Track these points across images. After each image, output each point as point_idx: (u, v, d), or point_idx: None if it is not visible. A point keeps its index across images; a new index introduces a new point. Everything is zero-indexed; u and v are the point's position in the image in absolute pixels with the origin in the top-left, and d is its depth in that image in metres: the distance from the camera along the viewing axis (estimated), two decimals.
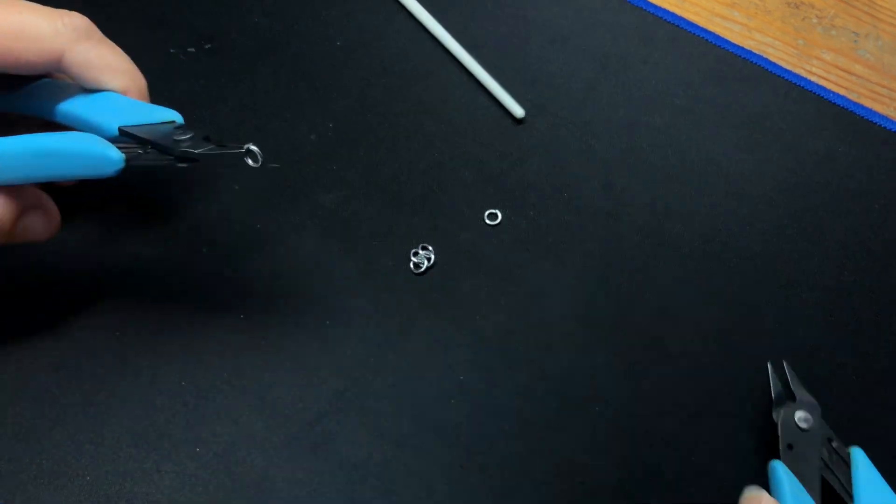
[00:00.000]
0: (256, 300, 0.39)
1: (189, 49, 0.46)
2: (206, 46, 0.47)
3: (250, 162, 0.30)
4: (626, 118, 0.46)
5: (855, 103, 0.48)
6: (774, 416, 0.35)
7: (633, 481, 0.36)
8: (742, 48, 0.50)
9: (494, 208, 0.42)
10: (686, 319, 0.40)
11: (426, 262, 0.40)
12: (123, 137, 0.31)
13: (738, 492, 0.36)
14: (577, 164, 0.44)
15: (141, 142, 0.31)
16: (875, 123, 0.47)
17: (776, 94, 0.48)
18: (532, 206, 0.43)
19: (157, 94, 0.36)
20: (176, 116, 0.33)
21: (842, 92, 0.49)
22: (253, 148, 0.30)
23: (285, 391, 0.37)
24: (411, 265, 0.40)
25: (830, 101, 0.48)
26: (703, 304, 0.40)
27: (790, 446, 0.34)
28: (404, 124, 0.45)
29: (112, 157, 0.30)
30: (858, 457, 0.34)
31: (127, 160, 0.31)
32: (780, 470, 0.33)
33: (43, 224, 0.34)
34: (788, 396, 0.36)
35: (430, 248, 0.41)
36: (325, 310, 0.39)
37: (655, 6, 0.51)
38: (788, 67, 0.50)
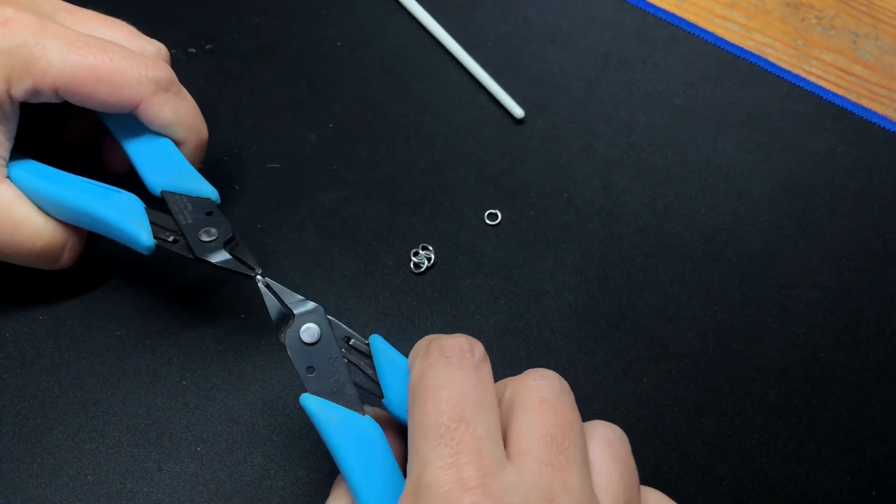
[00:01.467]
0: (256, 300, 0.39)
1: (189, 49, 0.46)
2: (207, 46, 0.47)
3: (258, 280, 0.33)
4: (626, 118, 0.47)
5: (854, 103, 0.48)
6: (281, 340, 0.31)
7: None
8: (741, 48, 0.50)
9: (494, 208, 0.43)
10: (686, 319, 0.40)
11: (426, 262, 0.40)
12: (164, 199, 0.35)
13: (738, 492, 0.36)
14: (577, 164, 0.45)
15: (174, 222, 0.35)
16: (874, 124, 0.47)
17: (776, 94, 0.48)
18: (532, 206, 0.43)
19: None
20: (213, 194, 0.36)
21: (841, 92, 0.49)
22: (261, 278, 0.33)
23: (285, 391, 0.37)
24: (411, 265, 0.40)
25: (830, 102, 0.48)
26: (703, 304, 0.40)
27: (310, 369, 0.30)
28: (404, 124, 0.45)
29: (144, 243, 0.34)
30: (377, 344, 0.30)
31: (157, 246, 0.34)
32: (306, 404, 0.29)
33: (74, 254, 0.37)
34: (287, 313, 0.31)
35: (430, 248, 0.41)
36: (326, 310, 0.39)
37: (655, 6, 0.51)
38: (788, 68, 0.50)
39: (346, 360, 0.30)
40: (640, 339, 0.39)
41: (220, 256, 0.34)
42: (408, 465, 0.26)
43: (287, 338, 0.30)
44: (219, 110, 0.45)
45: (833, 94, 0.49)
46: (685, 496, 0.35)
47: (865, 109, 0.48)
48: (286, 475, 0.35)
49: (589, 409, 0.37)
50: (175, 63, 0.46)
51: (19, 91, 0.33)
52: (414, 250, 0.41)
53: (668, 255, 0.42)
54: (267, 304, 0.31)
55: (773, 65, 0.50)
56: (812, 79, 0.50)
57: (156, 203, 0.35)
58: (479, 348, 0.28)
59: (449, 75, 0.47)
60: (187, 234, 0.34)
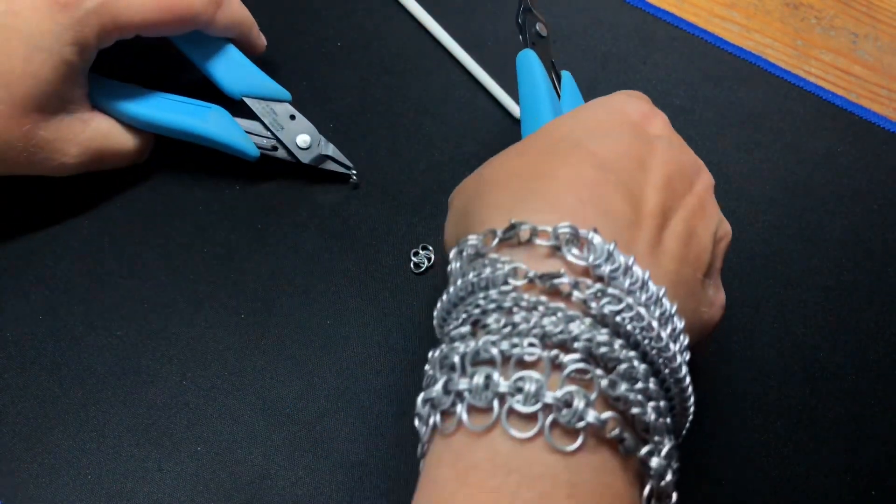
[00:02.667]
0: (256, 300, 0.39)
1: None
2: None
3: (352, 179, 0.42)
4: None
5: (854, 104, 0.48)
6: (520, 21, 0.39)
7: None
8: (741, 48, 0.50)
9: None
10: None
11: (426, 262, 0.40)
12: (247, 105, 0.40)
13: (738, 492, 0.36)
14: None
15: (263, 126, 0.40)
16: (874, 124, 0.47)
17: (775, 94, 0.48)
18: None
19: None
20: (285, 95, 0.41)
21: (841, 92, 0.49)
22: (355, 174, 0.41)
23: (286, 390, 0.37)
24: (411, 265, 0.40)
25: (829, 102, 0.48)
26: None
27: (533, 44, 0.38)
28: (404, 124, 0.45)
29: (251, 153, 0.40)
30: (567, 78, 0.39)
31: (262, 155, 0.40)
32: (531, 57, 0.37)
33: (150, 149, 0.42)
34: (533, 6, 0.39)
35: (430, 248, 0.41)
36: (325, 310, 0.39)
37: (655, 7, 0.51)
38: (787, 68, 0.50)
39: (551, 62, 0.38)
40: None
41: (320, 161, 0.41)
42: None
43: (527, 20, 0.38)
44: None
45: (833, 94, 0.49)
46: (685, 496, 0.35)
47: (865, 109, 0.48)
48: (286, 475, 0.35)
49: None
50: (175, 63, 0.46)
51: (107, 43, 0.36)
52: (414, 250, 0.41)
53: None
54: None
55: (773, 65, 0.50)
56: (812, 79, 0.50)
57: (236, 107, 0.40)
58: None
59: (449, 75, 0.47)
60: (286, 142, 0.40)
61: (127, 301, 0.38)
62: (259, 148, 0.40)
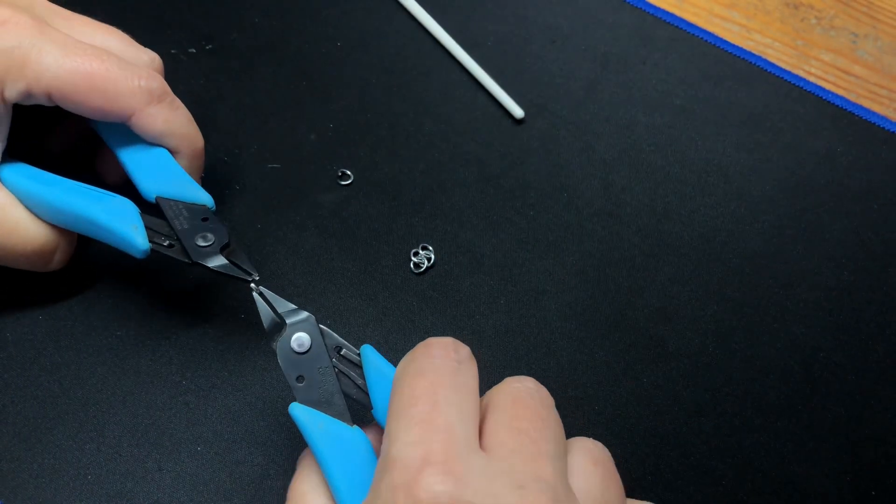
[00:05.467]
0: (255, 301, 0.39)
1: (189, 49, 0.46)
2: (207, 47, 0.47)
3: (252, 286, 0.33)
4: (626, 118, 0.47)
5: (854, 104, 0.48)
6: (275, 349, 0.30)
7: (632, 480, 0.36)
8: (741, 48, 0.50)
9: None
10: (686, 319, 0.40)
11: (426, 262, 0.40)
12: (159, 205, 0.35)
13: (737, 491, 0.36)
14: (576, 164, 0.45)
15: (169, 227, 0.35)
16: (874, 124, 0.47)
17: (775, 94, 0.48)
18: (532, 206, 0.43)
19: None
20: (208, 201, 0.36)
21: (841, 92, 0.49)
22: (254, 286, 0.33)
23: (285, 391, 0.37)
24: (411, 265, 0.40)
25: (829, 102, 0.48)
26: (703, 304, 0.40)
27: (300, 378, 0.29)
28: (404, 124, 0.45)
29: (139, 247, 0.34)
30: (368, 354, 0.30)
31: (152, 250, 0.34)
32: (295, 414, 0.29)
33: (65, 256, 0.37)
34: (279, 322, 0.31)
35: (430, 248, 0.41)
36: (325, 310, 0.39)
37: (655, 7, 0.51)
38: (787, 68, 0.50)
39: (335, 370, 0.30)
40: (640, 339, 0.39)
41: (216, 261, 0.34)
42: (381, 446, 0.26)
43: (278, 346, 0.30)
44: (219, 110, 0.45)
45: (833, 94, 0.49)
46: (685, 496, 0.35)
47: (865, 109, 0.48)
48: (286, 475, 0.35)
49: (589, 409, 0.37)
50: (175, 63, 0.46)
51: (13, 93, 0.33)
52: (414, 250, 0.41)
53: (667, 255, 0.42)
54: (260, 311, 0.31)
55: (773, 65, 0.50)
56: (812, 79, 0.50)
57: (150, 210, 0.35)
58: (464, 349, 0.28)
59: (449, 75, 0.47)
60: (183, 239, 0.34)
61: (127, 301, 0.38)
62: (153, 242, 0.34)
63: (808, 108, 0.48)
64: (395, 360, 0.38)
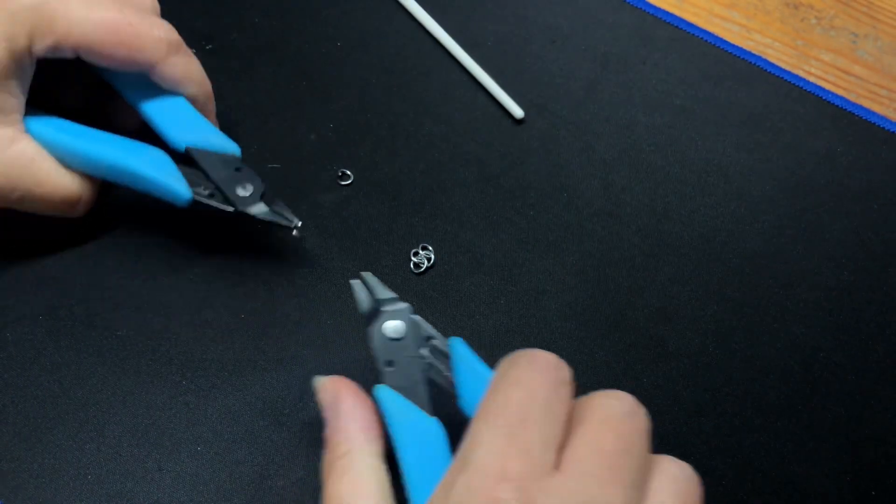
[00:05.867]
0: (257, 300, 0.39)
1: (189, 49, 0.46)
2: (207, 46, 0.47)
3: (294, 232, 0.36)
4: (626, 118, 0.47)
5: (854, 104, 0.48)
6: (368, 337, 0.31)
7: None
8: (741, 49, 0.50)
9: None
10: (685, 319, 0.40)
11: (426, 262, 0.40)
12: (190, 155, 0.37)
13: (737, 491, 0.36)
14: (576, 164, 0.45)
15: (205, 177, 0.36)
16: (874, 124, 0.47)
17: (775, 94, 0.48)
18: (532, 206, 0.43)
19: None
20: (236, 150, 0.37)
21: (841, 92, 0.49)
22: (299, 225, 0.36)
23: (286, 390, 0.37)
24: (411, 265, 0.40)
25: (829, 102, 0.48)
26: (703, 304, 0.40)
27: (389, 363, 0.31)
28: (404, 124, 0.45)
29: (183, 196, 0.36)
30: (457, 347, 0.31)
31: (194, 200, 0.36)
32: (380, 395, 0.30)
33: (91, 202, 0.38)
34: (376, 308, 0.32)
35: (430, 248, 0.41)
36: (325, 310, 0.39)
37: (655, 7, 0.51)
38: (787, 68, 0.50)
39: (424, 360, 0.31)
40: (640, 339, 0.39)
41: (259, 209, 0.36)
42: (462, 442, 0.27)
43: (374, 330, 0.31)
44: (219, 110, 0.45)
45: (833, 94, 0.49)
46: None
47: (865, 109, 0.48)
48: (286, 475, 0.35)
49: None
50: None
51: (41, 47, 0.34)
52: (414, 250, 0.41)
53: (667, 255, 0.42)
54: (357, 296, 0.32)
55: (773, 65, 0.50)
56: (812, 79, 0.50)
57: (178, 160, 0.36)
58: (566, 371, 0.28)
59: (449, 75, 0.47)
60: (224, 189, 0.36)
61: (127, 301, 0.38)
62: (195, 192, 0.36)
63: (808, 108, 0.48)
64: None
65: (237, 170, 0.37)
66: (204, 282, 0.39)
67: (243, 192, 0.36)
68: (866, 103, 0.49)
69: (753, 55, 0.50)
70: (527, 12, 0.51)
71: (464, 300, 0.40)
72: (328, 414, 0.31)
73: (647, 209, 0.43)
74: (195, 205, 0.36)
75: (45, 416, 0.35)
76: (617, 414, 0.27)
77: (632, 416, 0.27)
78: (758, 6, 0.53)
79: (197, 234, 0.40)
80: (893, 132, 0.47)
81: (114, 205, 0.41)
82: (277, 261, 0.40)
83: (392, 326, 0.31)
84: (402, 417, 0.30)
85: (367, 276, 0.32)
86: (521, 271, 0.41)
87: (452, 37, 0.48)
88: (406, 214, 0.42)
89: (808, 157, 0.46)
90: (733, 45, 0.50)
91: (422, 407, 0.30)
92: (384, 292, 0.32)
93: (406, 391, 0.30)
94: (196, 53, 0.46)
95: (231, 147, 0.37)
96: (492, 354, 0.38)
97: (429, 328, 0.32)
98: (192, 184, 0.36)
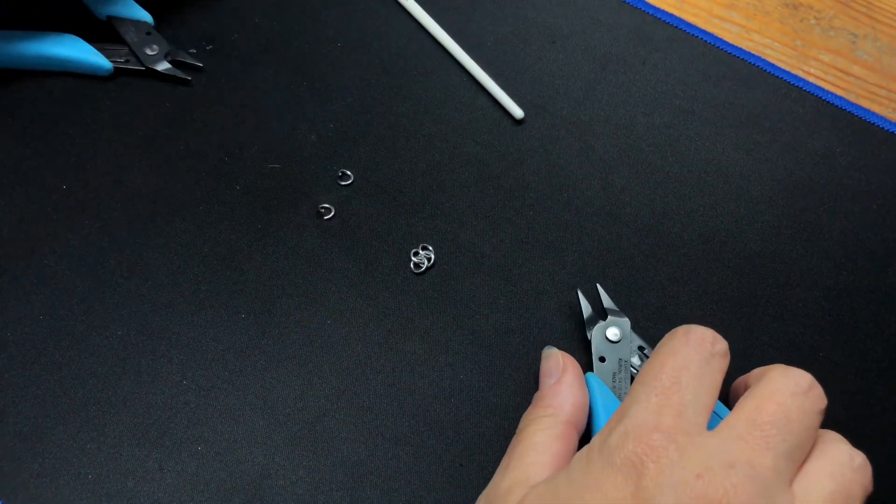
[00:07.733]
0: (256, 300, 0.39)
1: (189, 49, 0.46)
2: (207, 47, 0.47)
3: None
4: (626, 118, 0.47)
5: (853, 104, 0.48)
6: (588, 334, 0.37)
7: None
8: (740, 49, 0.50)
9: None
10: (685, 319, 0.40)
11: (426, 262, 0.41)
12: (110, 23, 0.45)
13: None
14: (576, 164, 0.45)
15: (122, 44, 0.45)
16: (873, 124, 0.48)
17: (775, 94, 0.48)
18: (531, 206, 0.43)
19: None
20: (149, 18, 0.46)
21: (840, 93, 0.49)
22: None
23: (286, 390, 0.37)
24: (411, 265, 0.41)
25: (829, 102, 0.48)
26: (703, 304, 0.41)
27: (602, 359, 0.37)
28: (404, 124, 0.45)
29: (104, 66, 0.44)
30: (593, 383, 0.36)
31: (114, 67, 0.44)
32: (591, 380, 0.35)
33: None
34: (601, 316, 0.38)
35: (430, 248, 0.41)
36: (325, 310, 0.39)
37: (654, 7, 0.51)
38: (787, 68, 0.50)
39: (633, 366, 0.37)
40: (640, 338, 0.39)
41: (163, 65, 0.45)
42: (622, 402, 0.30)
43: (595, 330, 0.37)
44: (219, 110, 0.45)
45: (832, 94, 0.49)
46: None
47: (864, 110, 0.48)
48: (286, 475, 0.35)
49: None
50: (174, 63, 0.46)
51: None
52: (414, 250, 0.41)
53: (667, 254, 0.42)
54: (582, 303, 0.38)
55: (772, 65, 0.50)
56: (811, 79, 0.50)
57: (94, 32, 0.44)
58: (721, 344, 0.30)
59: (449, 75, 0.47)
60: (136, 50, 0.44)
61: (127, 301, 0.38)
62: (113, 62, 0.44)
63: (807, 108, 0.48)
64: (394, 360, 0.38)
65: (147, 34, 0.45)
66: (204, 282, 0.39)
67: (150, 52, 0.45)
68: (865, 103, 0.49)
69: (753, 55, 0.50)
70: (527, 13, 0.51)
71: (464, 300, 0.40)
72: (548, 380, 0.35)
73: (646, 209, 0.43)
74: (115, 72, 0.44)
75: (46, 416, 0.35)
76: (783, 388, 0.28)
77: (801, 393, 0.28)
78: (757, 7, 0.53)
79: (197, 234, 0.40)
80: (892, 132, 0.47)
81: (114, 205, 0.41)
82: (277, 261, 0.40)
83: (612, 330, 0.37)
84: (604, 401, 0.35)
85: (599, 287, 0.39)
86: (521, 271, 0.41)
87: (452, 37, 0.48)
88: (406, 214, 0.42)
89: (807, 157, 0.46)
90: (732, 46, 0.50)
91: (620, 399, 0.35)
92: (610, 304, 0.39)
93: (614, 384, 0.36)
94: (196, 53, 0.47)
95: (144, 15, 0.46)
96: (492, 355, 0.38)
97: (641, 341, 0.37)
98: (109, 54, 0.44)
